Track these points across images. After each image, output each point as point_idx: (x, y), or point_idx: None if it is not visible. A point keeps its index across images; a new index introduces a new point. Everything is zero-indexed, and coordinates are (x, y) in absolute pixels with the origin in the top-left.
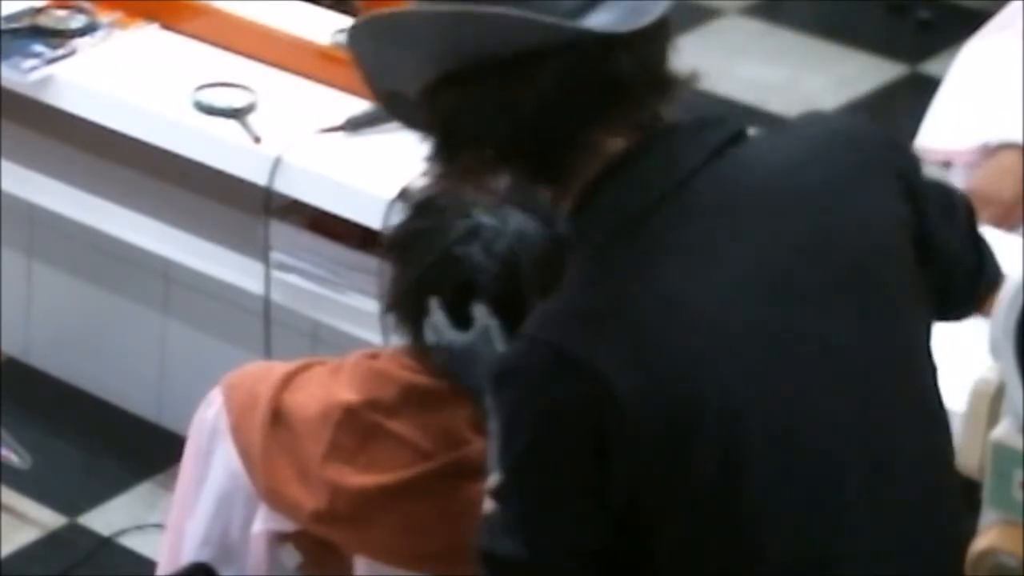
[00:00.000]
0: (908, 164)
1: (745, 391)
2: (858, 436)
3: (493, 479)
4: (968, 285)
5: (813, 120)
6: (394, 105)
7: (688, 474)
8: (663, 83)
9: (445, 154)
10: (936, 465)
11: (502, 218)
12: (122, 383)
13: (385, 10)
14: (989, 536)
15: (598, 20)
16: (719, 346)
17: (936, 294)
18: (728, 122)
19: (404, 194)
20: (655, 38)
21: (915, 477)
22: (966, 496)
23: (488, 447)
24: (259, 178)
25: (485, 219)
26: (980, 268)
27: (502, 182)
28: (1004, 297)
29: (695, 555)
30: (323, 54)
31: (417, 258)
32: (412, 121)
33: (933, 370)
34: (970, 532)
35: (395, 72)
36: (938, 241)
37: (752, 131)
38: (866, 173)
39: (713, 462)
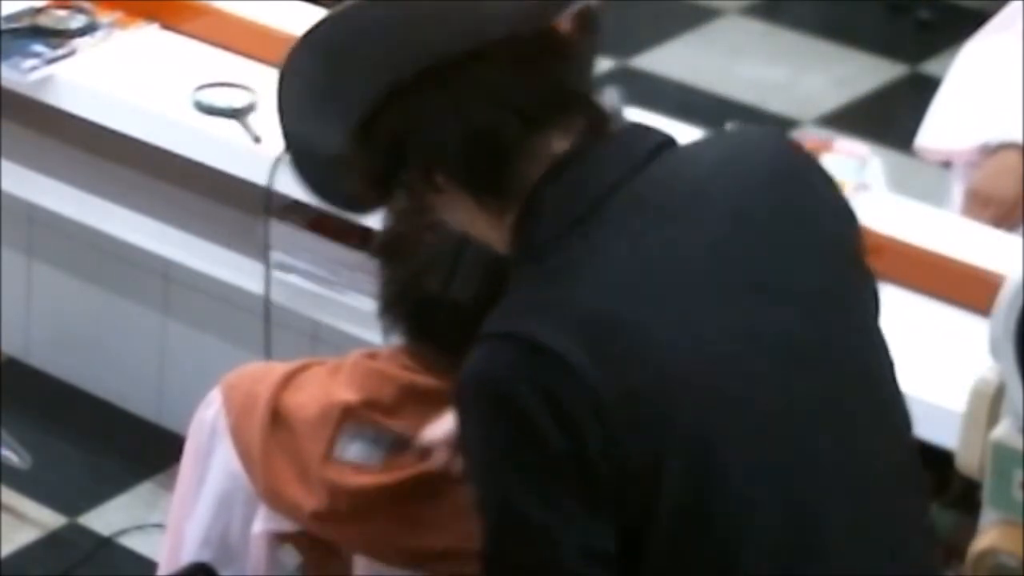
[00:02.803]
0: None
1: (713, 374)
2: (820, 420)
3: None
4: None
5: (735, 129)
6: (322, 175)
7: (665, 459)
8: (594, 101)
9: (392, 179)
10: (897, 456)
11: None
12: (122, 383)
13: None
14: (989, 536)
15: None
16: (683, 328)
17: None
18: (657, 129)
19: None
20: (588, 55)
21: (878, 465)
22: (963, 494)
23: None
24: (259, 178)
25: None
26: None
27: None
28: (1004, 297)
29: (679, 548)
30: None
31: (408, 258)
32: (338, 184)
33: (890, 363)
34: (969, 532)
35: (336, 100)
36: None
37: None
38: (804, 171)
39: (688, 444)
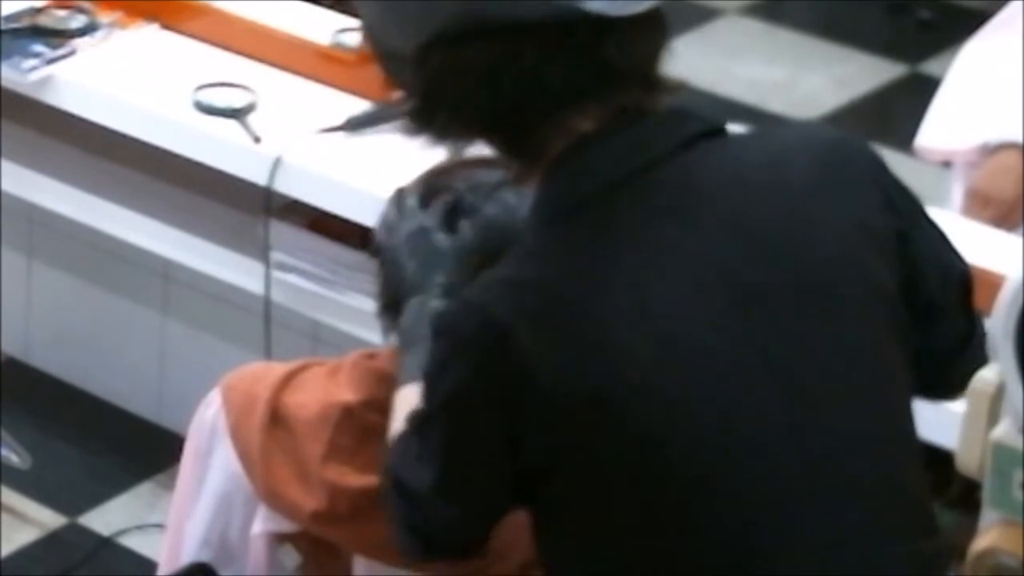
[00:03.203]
0: (895, 188)
1: (669, 382)
2: (792, 442)
3: (410, 398)
4: (950, 351)
5: (800, 126)
6: (390, 64)
7: (602, 460)
8: (648, 80)
9: (425, 115)
10: (884, 484)
11: (484, 202)
12: (122, 383)
13: None
14: (989, 536)
15: (593, 5)
16: (648, 333)
17: (919, 337)
18: (705, 117)
19: (400, 194)
20: (647, 33)
21: (857, 493)
22: (963, 494)
23: (401, 359)
24: (259, 178)
25: (472, 206)
26: (968, 339)
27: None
28: (1004, 297)
29: (612, 538)
30: (323, 54)
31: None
32: (402, 81)
33: (901, 392)
34: (969, 532)
35: (395, 26)
36: (924, 277)
37: (735, 129)
38: (842, 183)
39: (630, 450)
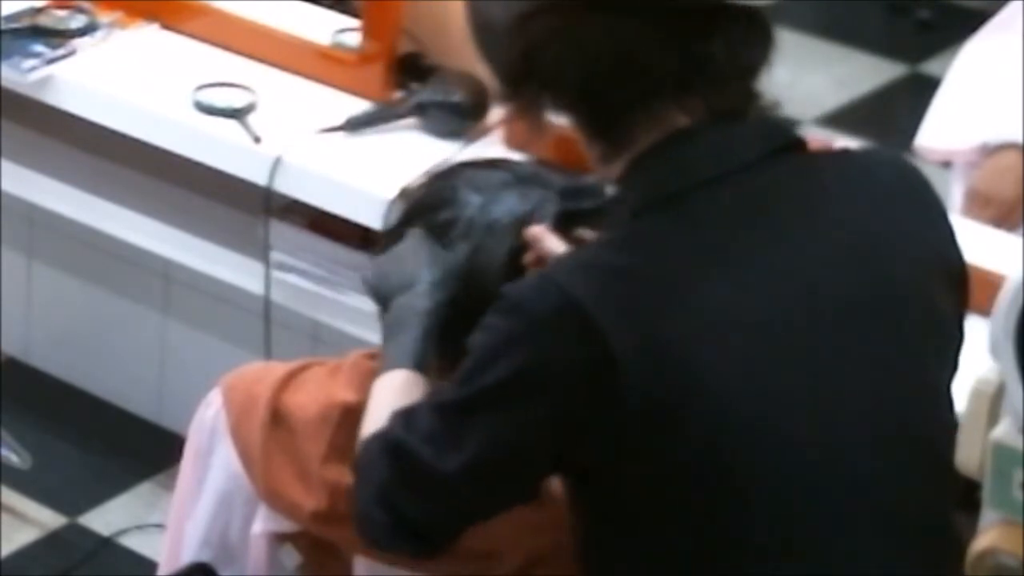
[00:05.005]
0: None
1: (741, 383)
2: (832, 464)
3: (394, 383)
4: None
5: (877, 151)
6: (483, 35)
7: (657, 458)
8: (746, 89)
9: (517, 85)
10: (926, 509)
11: (487, 207)
12: (122, 383)
13: None
14: (989, 536)
15: None
16: (724, 333)
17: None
18: (790, 132)
19: (403, 194)
20: (753, 43)
21: (891, 521)
22: (964, 494)
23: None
24: (259, 178)
25: (474, 211)
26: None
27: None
28: (1004, 297)
29: (674, 533)
30: (323, 54)
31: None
32: (494, 55)
33: (947, 422)
34: (969, 532)
35: None
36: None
37: (814, 147)
38: (920, 211)
39: (687, 451)
